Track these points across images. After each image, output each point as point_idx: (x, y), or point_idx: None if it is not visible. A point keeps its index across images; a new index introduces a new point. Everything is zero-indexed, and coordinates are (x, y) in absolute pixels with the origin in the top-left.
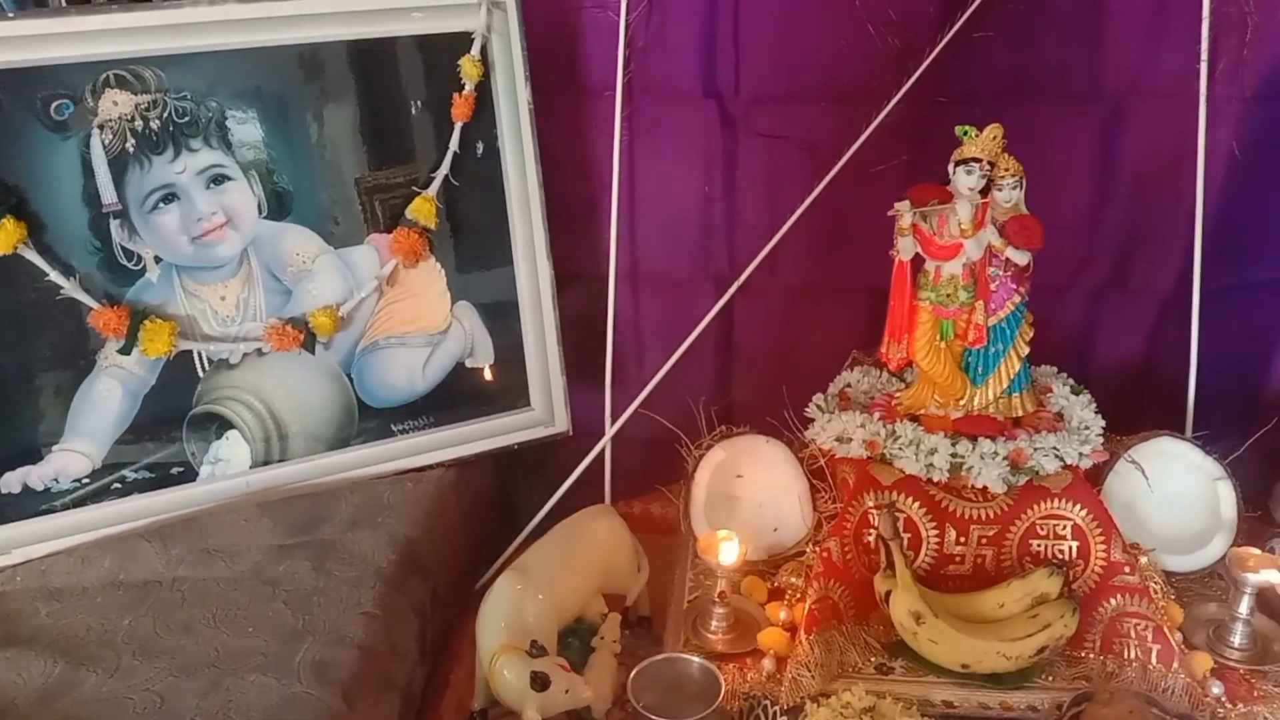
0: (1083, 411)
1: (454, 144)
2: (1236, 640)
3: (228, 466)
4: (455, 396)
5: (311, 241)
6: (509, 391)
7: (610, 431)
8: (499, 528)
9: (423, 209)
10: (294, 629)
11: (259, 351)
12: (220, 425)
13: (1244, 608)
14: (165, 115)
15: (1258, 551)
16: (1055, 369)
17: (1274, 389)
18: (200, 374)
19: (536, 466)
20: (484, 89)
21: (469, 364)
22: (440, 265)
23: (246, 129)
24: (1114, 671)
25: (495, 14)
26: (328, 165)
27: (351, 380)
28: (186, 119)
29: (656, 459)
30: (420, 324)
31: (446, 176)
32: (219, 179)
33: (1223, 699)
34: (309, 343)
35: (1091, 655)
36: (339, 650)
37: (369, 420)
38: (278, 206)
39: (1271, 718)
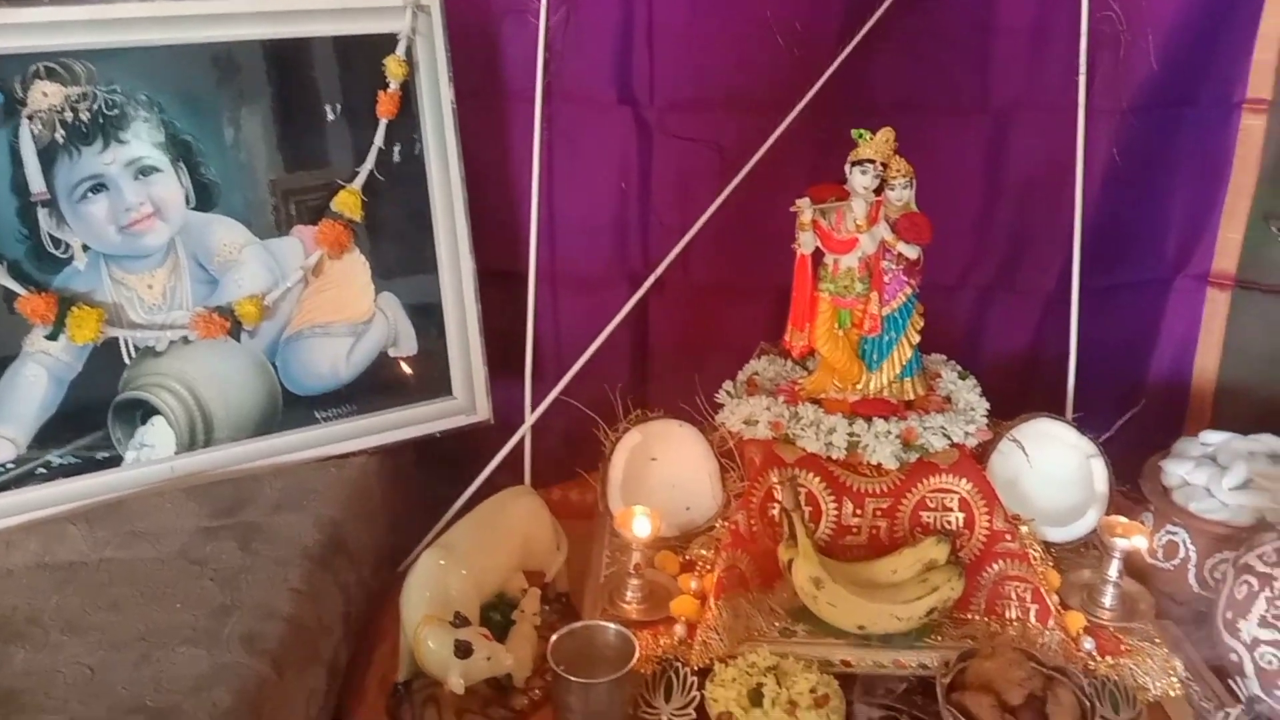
0: (968, 394)
1: (379, 140)
2: (1107, 601)
3: (153, 452)
4: (379, 385)
5: (238, 232)
6: (431, 381)
7: (530, 419)
8: (421, 514)
9: (347, 202)
10: (222, 605)
11: (185, 339)
12: (145, 411)
13: (1113, 571)
14: (95, 107)
15: (1126, 520)
16: (945, 357)
17: (1145, 376)
18: (126, 361)
19: (459, 455)
20: (408, 88)
21: (392, 353)
22: (364, 257)
23: (175, 122)
24: (997, 631)
25: (420, 17)
26: (254, 158)
27: (276, 368)
28: (116, 111)
29: (575, 448)
30: (344, 314)
31: (371, 171)
32: (147, 170)
33: (1093, 653)
34: (235, 331)
35: (976, 617)
36: (267, 623)
37: (293, 407)
38: (205, 198)
39: (1137, 668)
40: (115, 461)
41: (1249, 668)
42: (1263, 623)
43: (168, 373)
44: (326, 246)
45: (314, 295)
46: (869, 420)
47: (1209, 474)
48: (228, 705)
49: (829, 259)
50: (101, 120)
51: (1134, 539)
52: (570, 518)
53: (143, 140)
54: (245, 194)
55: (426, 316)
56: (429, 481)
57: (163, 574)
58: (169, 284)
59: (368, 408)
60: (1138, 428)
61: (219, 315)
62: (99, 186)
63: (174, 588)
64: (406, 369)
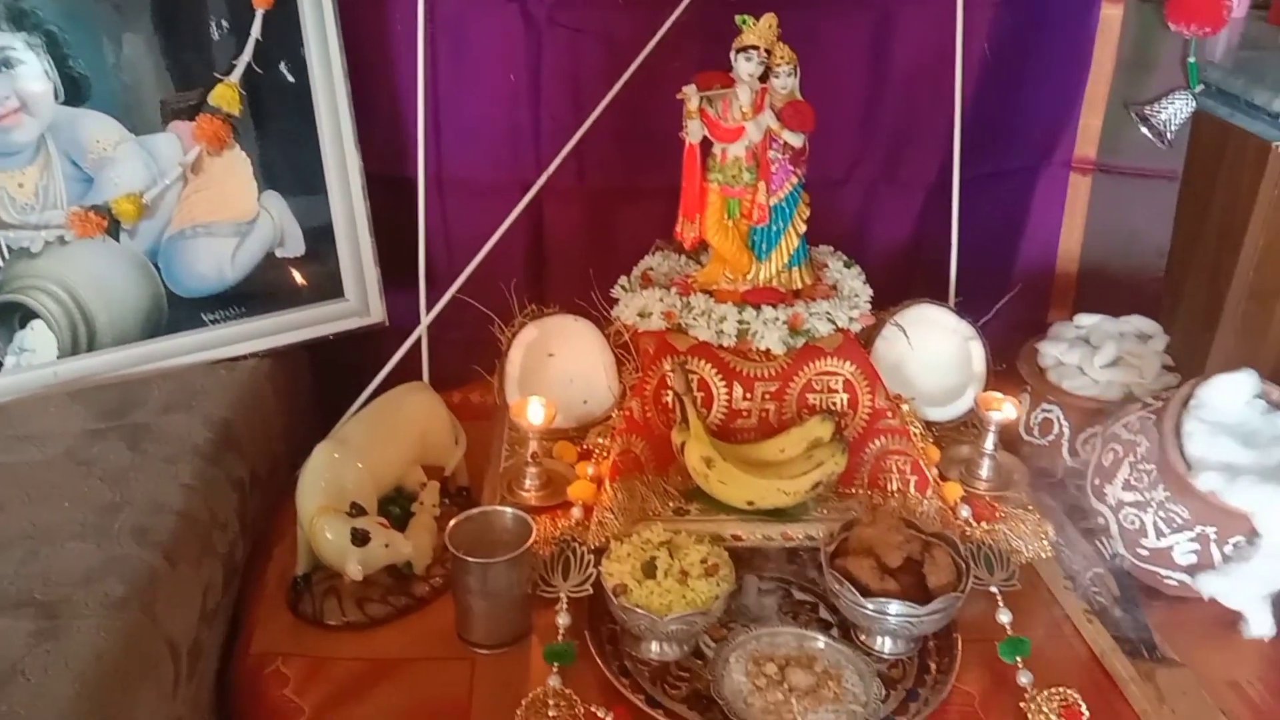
0: (853, 282)
1: (256, 30)
2: (983, 473)
3: (33, 357)
4: (267, 287)
5: (111, 128)
6: (322, 282)
7: (426, 319)
8: (319, 422)
9: (225, 96)
10: (111, 502)
11: (61, 240)
12: (24, 315)
13: (989, 444)
14: None
15: (1000, 395)
16: (831, 248)
17: (1021, 262)
18: (0, 263)
19: (356, 362)
20: None
21: (279, 254)
22: (246, 154)
23: (37, 11)
24: (879, 503)
25: None
26: (127, 49)
27: (159, 269)
28: None
29: (473, 352)
30: (227, 213)
31: (249, 64)
32: (9, 62)
33: (970, 519)
34: (113, 230)
35: (860, 490)
36: (158, 517)
37: (179, 310)
38: (74, 92)
39: (1011, 533)
40: None
41: (1114, 529)
42: (1126, 486)
43: (45, 275)
44: (205, 142)
45: (195, 194)
46: (758, 308)
47: (1081, 354)
48: (119, 595)
49: (717, 149)
50: None
51: (1005, 409)
52: (471, 419)
53: (2, 30)
54: (118, 88)
55: (313, 214)
56: (326, 389)
57: (48, 475)
58: (41, 182)
59: (257, 310)
60: (1008, 310)
61: (95, 214)
62: None
63: (61, 488)
64: (295, 270)
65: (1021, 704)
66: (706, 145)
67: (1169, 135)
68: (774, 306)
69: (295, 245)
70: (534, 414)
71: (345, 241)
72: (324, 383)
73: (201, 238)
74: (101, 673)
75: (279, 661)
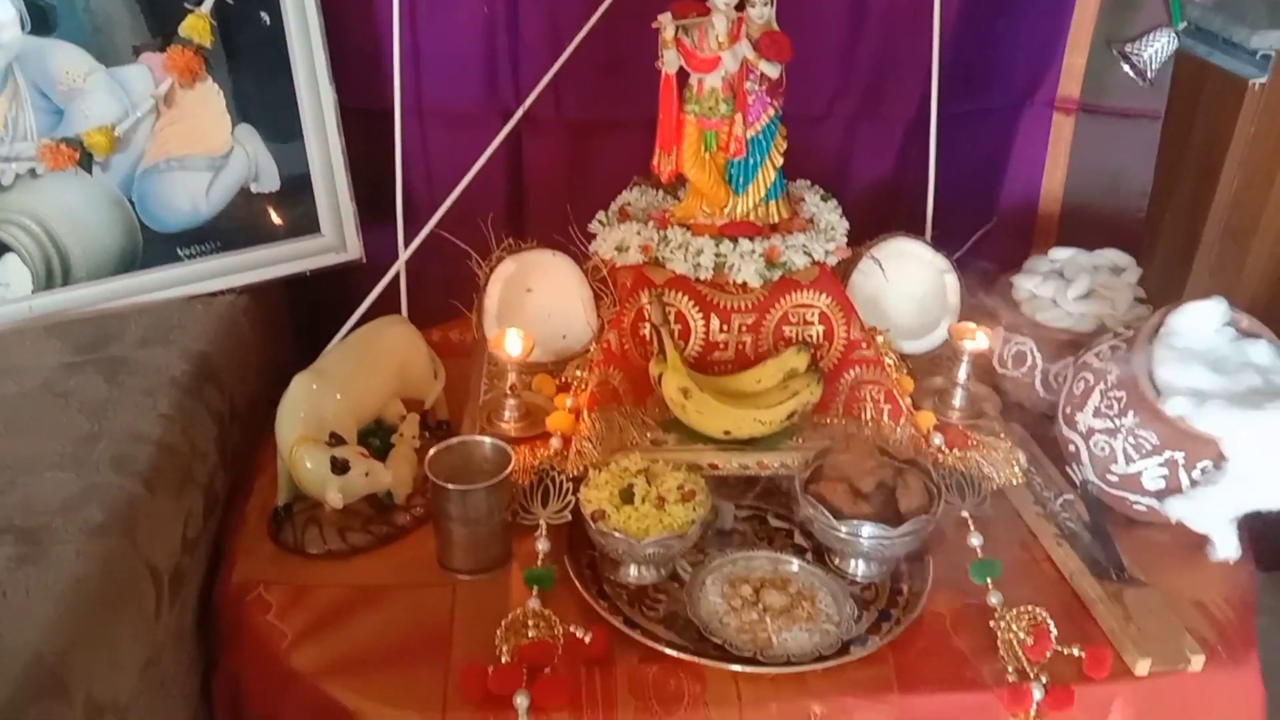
0: (829, 215)
1: None
2: (957, 402)
3: (8, 291)
4: (243, 221)
5: (81, 59)
6: (298, 218)
7: (405, 254)
8: (295, 357)
9: (196, 26)
10: (90, 433)
11: (32, 172)
12: None
13: (962, 374)
14: None
15: (973, 325)
16: (809, 182)
17: (997, 199)
18: None
19: (334, 301)
20: None
21: (254, 189)
22: (219, 86)
23: None
24: (853, 432)
25: None
26: None
27: (133, 204)
28: None
29: (453, 289)
30: (200, 146)
31: None
32: None
33: (942, 447)
34: (85, 163)
35: (835, 420)
36: (137, 446)
37: (154, 245)
38: (42, 21)
39: (983, 460)
40: None
41: (1084, 456)
42: (1096, 413)
43: (18, 209)
44: (176, 74)
45: (167, 126)
46: (735, 241)
47: (1055, 286)
48: (99, 522)
49: (693, 80)
50: None
51: (978, 339)
52: (451, 356)
53: None
54: (86, 17)
55: (288, 148)
56: (305, 326)
57: (25, 407)
58: (10, 114)
59: (233, 245)
60: (992, 247)
61: (67, 146)
62: None
63: (38, 420)
64: (270, 206)
65: (991, 623)
66: (683, 76)
67: (1150, 74)
68: (751, 239)
69: (270, 180)
70: (512, 345)
71: (321, 177)
72: (303, 320)
73: (175, 171)
74: (82, 596)
75: (261, 589)
